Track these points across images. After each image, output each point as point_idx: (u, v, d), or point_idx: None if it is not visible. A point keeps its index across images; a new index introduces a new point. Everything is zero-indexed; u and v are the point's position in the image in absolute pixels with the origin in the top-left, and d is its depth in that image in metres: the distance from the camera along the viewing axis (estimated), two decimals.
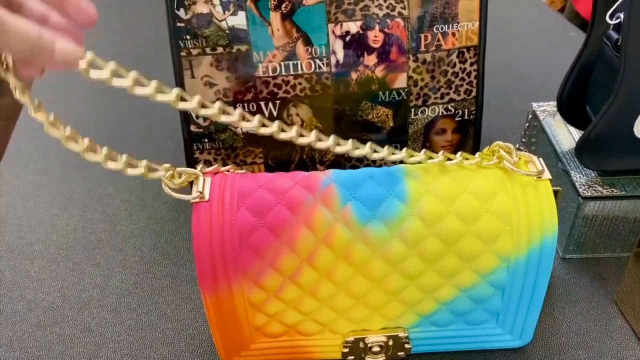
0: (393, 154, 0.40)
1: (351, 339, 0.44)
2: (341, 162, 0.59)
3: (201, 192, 0.40)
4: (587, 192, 0.51)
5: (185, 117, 0.56)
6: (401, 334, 0.44)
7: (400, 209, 0.39)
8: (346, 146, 0.39)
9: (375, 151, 0.40)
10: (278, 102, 0.55)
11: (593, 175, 0.53)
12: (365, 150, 0.39)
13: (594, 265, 0.55)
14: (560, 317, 0.50)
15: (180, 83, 0.54)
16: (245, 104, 0.55)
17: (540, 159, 0.41)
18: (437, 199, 0.39)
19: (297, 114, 0.56)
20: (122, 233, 0.61)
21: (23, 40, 0.30)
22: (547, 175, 0.40)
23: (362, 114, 0.56)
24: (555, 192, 0.41)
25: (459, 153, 0.41)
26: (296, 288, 0.42)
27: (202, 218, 0.39)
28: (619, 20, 0.48)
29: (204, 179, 0.42)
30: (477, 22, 0.55)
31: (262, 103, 0.55)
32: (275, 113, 0.56)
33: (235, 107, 0.55)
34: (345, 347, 0.44)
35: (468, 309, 0.43)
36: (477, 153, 0.42)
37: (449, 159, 0.41)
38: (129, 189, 0.67)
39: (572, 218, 0.53)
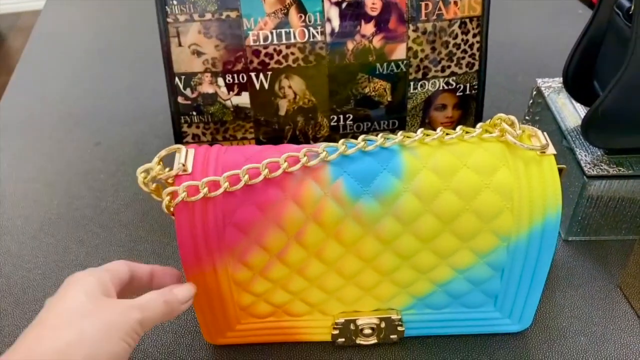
0: (387, 139, 0.38)
1: (341, 320, 0.42)
2: (336, 138, 0.56)
3: (184, 164, 0.38)
4: (593, 170, 0.49)
5: (173, 88, 0.53)
6: (394, 316, 0.42)
7: (394, 185, 0.37)
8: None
9: (368, 140, 0.38)
10: (269, 73, 0.52)
11: (599, 153, 0.51)
12: (358, 143, 0.38)
13: (597, 248, 0.52)
14: (562, 301, 0.48)
15: (166, 52, 0.52)
16: (235, 75, 0.52)
17: (545, 133, 0.39)
18: (434, 173, 0.37)
19: (290, 87, 0.53)
20: (108, 210, 0.59)
21: (159, 307, 0.35)
22: (551, 150, 0.38)
23: (359, 87, 0.54)
24: (560, 170, 0.38)
25: (459, 127, 0.38)
26: (283, 267, 0.39)
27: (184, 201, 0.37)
28: None
29: (187, 150, 0.39)
30: None
31: (252, 74, 0.52)
32: (266, 85, 0.53)
33: (224, 78, 0.53)
34: (335, 328, 0.42)
35: (465, 291, 0.41)
36: (479, 124, 0.39)
37: (448, 134, 0.38)
38: (115, 164, 0.64)
39: (576, 198, 0.51)
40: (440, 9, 0.52)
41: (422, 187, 0.37)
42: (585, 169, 0.49)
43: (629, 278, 0.47)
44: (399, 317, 0.42)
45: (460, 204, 0.37)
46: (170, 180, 0.38)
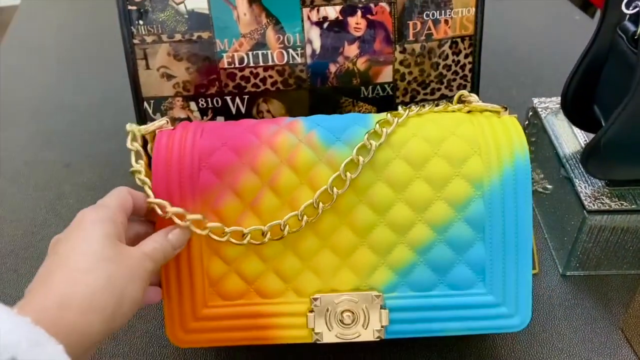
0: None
1: (317, 296, 0.39)
2: None
3: (168, 122, 0.41)
4: (594, 205, 0.45)
5: (141, 113, 0.49)
6: (374, 293, 0.39)
7: (363, 132, 0.39)
8: None
9: None
10: (246, 97, 0.49)
11: (600, 184, 0.47)
12: None
13: (597, 283, 0.49)
14: (560, 346, 0.44)
15: (133, 74, 0.48)
16: (209, 99, 0.48)
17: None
18: (401, 126, 0.39)
19: (269, 111, 0.49)
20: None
21: (161, 257, 0.35)
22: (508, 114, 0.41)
23: (343, 111, 0.50)
24: None
25: (429, 106, 0.42)
26: (256, 218, 0.38)
27: (164, 140, 0.39)
28: (637, 9, 0.41)
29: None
30: (473, 9, 0.49)
31: (227, 98, 0.49)
32: (243, 109, 0.49)
33: (197, 103, 0.49)
34: (311, 311, 0.38)
35: (448, 262, 0.39)
36: (443, 101, 0.42)
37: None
38: (85, 190, 0.61)
39: (575, 232, 0.47)
40: (429, 29, 0.48)
41: (392, 136, 0.38)
42: (586, 202, 0.46)
43: (632, 318, 0.44)
44: (380, 294, 0.39)
45: (428, 149, 0.38)
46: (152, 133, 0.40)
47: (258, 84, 0.48)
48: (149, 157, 0.40)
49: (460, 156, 0.38)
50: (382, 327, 0.39)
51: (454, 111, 0.42)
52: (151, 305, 0.40)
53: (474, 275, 0.39)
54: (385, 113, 0.40)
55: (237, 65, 0.47)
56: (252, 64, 0.47)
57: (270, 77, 0.48)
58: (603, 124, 0.47)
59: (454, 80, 0.50)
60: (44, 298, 0.29)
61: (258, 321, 0.39)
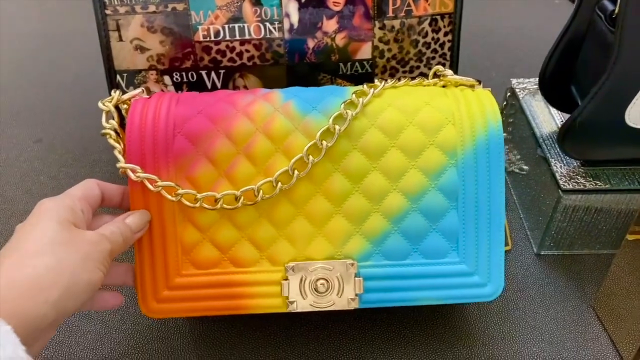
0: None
1: (292, 264, 0.38)
2: None
3: (143, 91, 0.40)
4: (569, 184, 0.46)
5: (114, 86, 0.48)
6: (349, 261, 0.39)
7: (339, 102, 0.39)
8: None
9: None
10: (222, 71, 0.48)
11: (575, 164, 0.47)
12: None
13: (571, 263, 0.50)
14: (532, 323, 0.45)
15: (106, 47, 0.46)
16: (184, 73, 0.47)
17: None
18: (377, 97, 0.39)
19: (245, 86, 0.49)
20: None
21: (120, 240, 0.35)
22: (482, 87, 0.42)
23: None
24: None
25: (404, 80, 0.42)
26: (231, 186, 0.38)
27: (139, 107, 0.38)
28: None
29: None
30: None
31: (203, 72, 0.48)
32: (219, 84, 0.48)
33: (171, 77, 0.48)
34: (285, 280, 0.38)
35: (422, 231, 0.39)
36: (419, 76, 0.43)
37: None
38: (57, 166, 0.59)
39: (549, 211, 0.48)
40: (409, 5, 0.47)
41: (367, 106, 0.39)
42: (561, 182, 0.46)
43: (603, 297, 0.45)
44: (354, 262, 0.39)
45: (403, 119, 0.38)
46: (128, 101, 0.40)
47: (234, 58, 0.47)
48: (123, 122, 0.39)
49: (435, 125, 0.39)
50: (356, 295, 0.39)
51: (429, 85, 0.42)
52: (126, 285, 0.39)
53: (448, 244, 0.39)
54: (362, 85, 0.40)
55: (212, 38, 0.46)
56: (228, 38, 0.46)
57: (247, 51, 0.47)
58: (580, 104, 0.47)
59: (433, 58, 0.50)
60: None
61: (232, 290, 0.39)
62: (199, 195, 0.37)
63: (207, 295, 0.39)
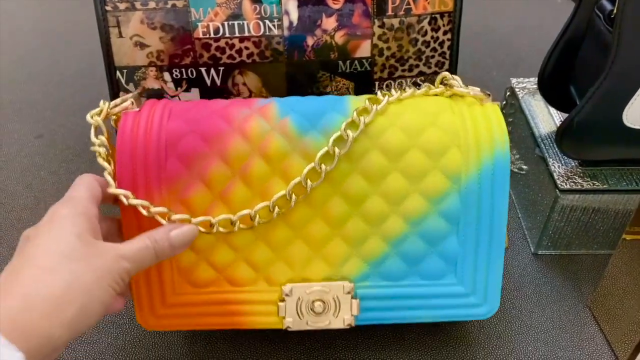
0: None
1: (289, 287, 0.38)
2: None
3: (133, 104, 0.38)
4: (566, 184, 0.46)
5: (114, 83, 0.48)
6: (346, 283, 0.38)
7: (339, 121, 0.37)
8: None
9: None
10: (221, 68, 0.48)
11: (573, 164, 0.47)
12: None
13: (567, 263, 0.50)
14: (528, 322, 0.45)
15: (106, 43, 0.46)
16: (183, 70, 0.47)
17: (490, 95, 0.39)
18: (380, 114, 0.37)
19: (244, 84, 0.49)
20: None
21: (148, 258, 0.33)
22: (491, 101, 0.39)
23: (319, 86, 0.49)
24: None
25: (410, 89, 0.39)
26: (226, 209, 0.37)
27: (129, 123, 0.37)
28: None
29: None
30: None
31: (202, 69, 0.48)
32: (218, 81, 0.48)
33: (171, 73, 0.48)
34: (281, 301, 0.38)
35: (421, 254, 0.38)
36: (425, 83, 0.40)
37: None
38: (58, 162, 0.59)
39: (547, 211, 0.48)
40: (408, 4, 0.47)
41: (369, 125, 0.37)
42: (558, 182, 0.46)
43: (600, 297, 0.45)
44: (352, 284, 0.38)
45: (406, 140, 0.37)
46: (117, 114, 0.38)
47: (234, 55, 0.47)
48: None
49: (439, 148, 0.37)
50: (352, 315, 0.38)
51: (435, 94, 0.40)
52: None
53: (446, 266, 0.39)
54: (364, 98, 0.38)
55: (212, 35, 0.46)
56: (227, 35, 0.46)
57: (247, 48, 0.47)
58: (578, 103, 0.47)
59: (432, 57, 0.50)
60: (10, 298, 0.27)
61: (228, 308, 0.38)
62: (193, 220, 0.36)
63: (203, 312, 0.39)
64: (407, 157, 0.37)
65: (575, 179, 0.46)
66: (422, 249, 0.38)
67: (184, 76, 0.48)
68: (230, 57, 0.47)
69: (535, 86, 0.56)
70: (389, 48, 0.48)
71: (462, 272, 0.39)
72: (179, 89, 0.48)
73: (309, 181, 0.36)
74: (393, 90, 0.39)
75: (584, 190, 0.46)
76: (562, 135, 0.45)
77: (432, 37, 0.49)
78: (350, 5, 0.46)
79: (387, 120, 0.37)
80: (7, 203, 0.55)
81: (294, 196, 0.36)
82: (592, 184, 0.46)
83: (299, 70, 0.48)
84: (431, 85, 0.40)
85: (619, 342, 0.42)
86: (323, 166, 0.36)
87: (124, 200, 0.35)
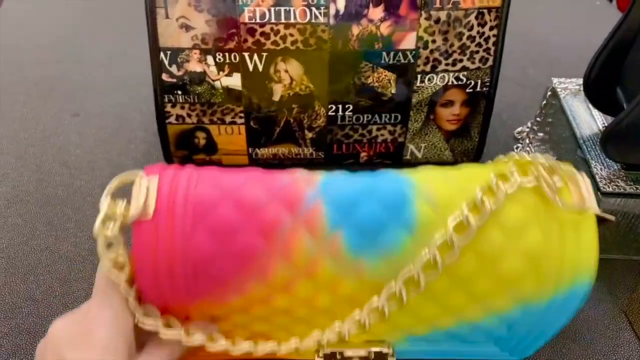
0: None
1: (327, 351, 0.36)
2: (333, 129, 0.52)
3: (144, 204, 0.30)
4: (608, 187, 0.45)
5: (157, 64, 0.48)
6: (385, 350, 0.37)
7: (404, 242, 0.31)
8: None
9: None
10: (265, 54, 0.48)
11: (616, 167, 0.47)
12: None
13: (604, 267, 0.48)
14: None
15: (152, 23, 0.47)
16: (227, 54, 0.47)
17: (585, 176, 0.34)
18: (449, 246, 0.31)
19: (286, 71, 0.48)
20: (82, 190, 0.54)
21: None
22: (591, 204, 0.33)
23: (361, 76, 0.49)
24: (601, 220, 0.33)
25: (493, 176, 0.32)
26: (267, 309, 0.34)
27: (144, 239, 0.30)
28: None
29: (148, 182, 0.31)
30: None
31: (245, 54, 0.48)
32: (260, 67, 0.48)
33: (214, 57, 0.48)
34: (319, 357, 0.37)
35: (467, 334, 0.37)
36: (513, 167, 0.32)
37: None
38: (93, 141, 0.60)
39: None
40: None
41: (438, 247, 0.31)
42: (601, 184, 0.45)
43: (636, 303, 0.44)
44: (391, 350, 0.37)
45: (479, 267, 0.32)
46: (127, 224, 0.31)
47: (278, 41, 0.47)
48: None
49: (514, 278, 0.33)
50: None
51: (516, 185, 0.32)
52: None
53: (489, 338, 0.38)
54: (431, 199, 0.32)
55: (257, 20, 0.46)
56: (273, 20, 0.46)
57: (291, 35, 0.47)
58: (625, 107, 0.46)
59: (477, 52, 0.50)
60: None
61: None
62: (234, 351, 0.33)
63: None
64: (477, 282, 0.33)
65: (618, 182, 0.45)
66: (469, 332, 0.37)
67: (227, 60, 0.48)
68: (275, 43, 0.47)
69: (577, 87, 0.55)
70: (434, 41, 0.48)
71: (505, 345, 0.38)
72: (220, 72, 0.48)
73: (367, 320, 0.33)
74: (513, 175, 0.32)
75: (626, 194, 0.45)
76: (608, 138, 0.44)
77: (477, 32, 0.49)
78: None
79: (463, 266, 0.32)
80: (43, 179, 0.55)
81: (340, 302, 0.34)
82: (635, 188, 0.45)
83: (342, 59, 0.48)
84: (515, 172, 0.32)
85: None
86: (386, 309, 0.33)
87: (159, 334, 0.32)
